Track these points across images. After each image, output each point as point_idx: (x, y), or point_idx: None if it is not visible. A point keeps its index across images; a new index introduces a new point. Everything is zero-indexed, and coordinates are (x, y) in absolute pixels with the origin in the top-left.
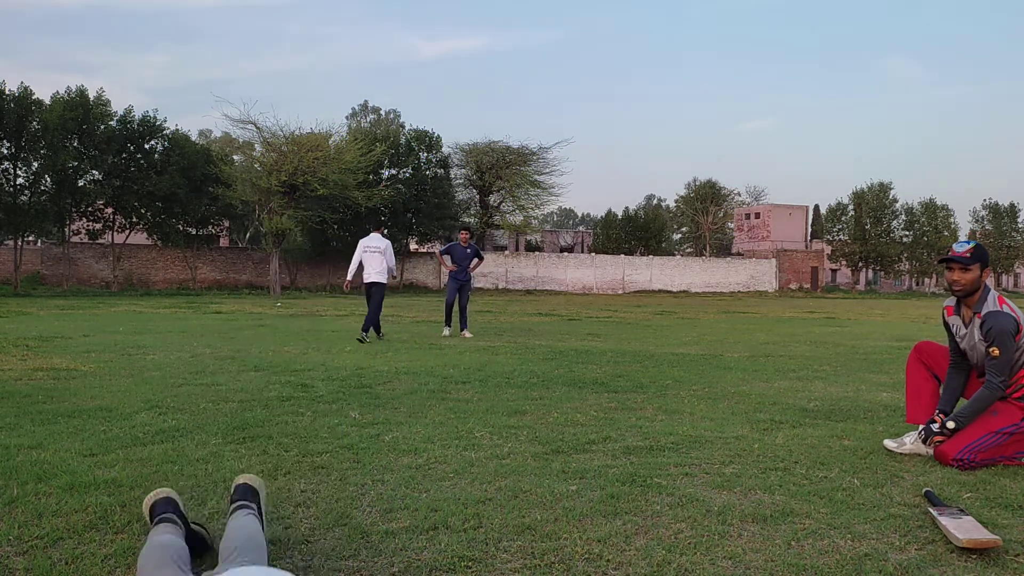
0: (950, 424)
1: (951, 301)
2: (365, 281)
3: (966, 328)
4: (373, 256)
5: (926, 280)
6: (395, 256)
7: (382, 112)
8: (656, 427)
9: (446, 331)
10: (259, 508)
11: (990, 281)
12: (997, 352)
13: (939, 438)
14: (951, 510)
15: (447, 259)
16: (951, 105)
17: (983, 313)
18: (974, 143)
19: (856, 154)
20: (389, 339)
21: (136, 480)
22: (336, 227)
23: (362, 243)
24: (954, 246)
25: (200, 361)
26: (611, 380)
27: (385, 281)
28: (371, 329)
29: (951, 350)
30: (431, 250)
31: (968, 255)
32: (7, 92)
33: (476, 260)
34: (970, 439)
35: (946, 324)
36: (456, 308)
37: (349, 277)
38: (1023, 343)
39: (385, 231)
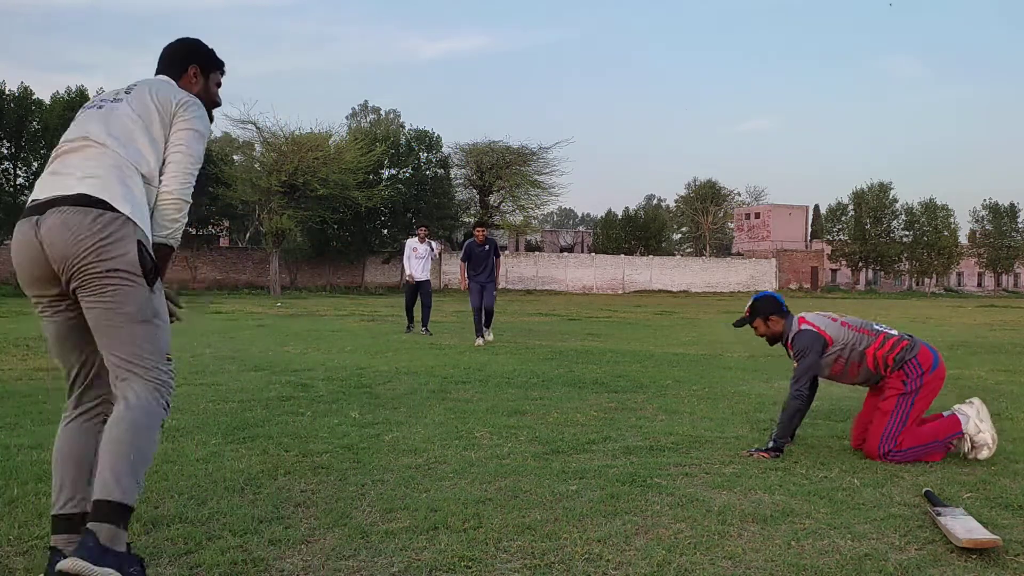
0: (770, 444)
1: None
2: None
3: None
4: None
5: (926, 280)
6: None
7: (382, 112)
8: (656, 427)
9: (479, 341)
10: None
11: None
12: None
13: (764, 454)
14: (951, 510)
15: (466, 267)
16: (951, 105)
17: (791, 341)
18: (974, 143)
19: (856, 154)
20: (389, 338)
21: None
22: (336, 227)
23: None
24: None
25: (200, 361)
26: (611, 380)
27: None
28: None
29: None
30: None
31: (747, 315)
32: (7, 92)
33: (497, 261)
34: (879, 429)
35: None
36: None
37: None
38: (844, 337)
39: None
